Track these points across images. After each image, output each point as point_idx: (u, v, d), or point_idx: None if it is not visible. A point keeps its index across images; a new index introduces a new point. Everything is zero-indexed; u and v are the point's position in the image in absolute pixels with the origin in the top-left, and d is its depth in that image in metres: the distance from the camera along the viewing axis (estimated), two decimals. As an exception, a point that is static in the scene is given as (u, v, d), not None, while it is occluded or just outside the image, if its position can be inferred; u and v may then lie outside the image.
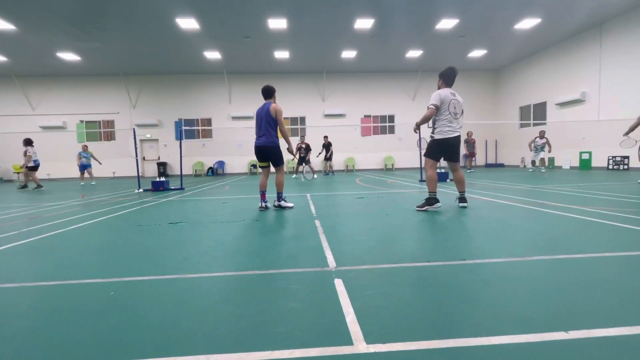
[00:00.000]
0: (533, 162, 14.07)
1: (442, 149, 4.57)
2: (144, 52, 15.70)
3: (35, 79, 18.76)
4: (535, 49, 16.66)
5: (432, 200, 4.47)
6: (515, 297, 1.67)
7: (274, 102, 5.01)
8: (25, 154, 10.85)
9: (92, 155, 13.13)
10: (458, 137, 4.55)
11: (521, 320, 1.44)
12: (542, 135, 13.49)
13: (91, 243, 3.18)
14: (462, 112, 4.65)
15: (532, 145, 13.67)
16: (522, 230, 3.14)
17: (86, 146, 13.26)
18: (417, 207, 4.55)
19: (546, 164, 14.21)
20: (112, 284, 2.04)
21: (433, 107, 4.47)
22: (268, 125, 4.90)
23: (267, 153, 4.93)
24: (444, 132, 4.49)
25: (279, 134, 5.05)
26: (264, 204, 4.97)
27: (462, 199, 4.62)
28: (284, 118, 5.07)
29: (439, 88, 4.65)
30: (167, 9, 11.43)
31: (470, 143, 15.01)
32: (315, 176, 12.69)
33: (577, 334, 1.32)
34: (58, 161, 18.86)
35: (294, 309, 1.62)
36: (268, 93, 5.06)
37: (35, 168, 11.01)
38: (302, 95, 19.69)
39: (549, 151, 13.50)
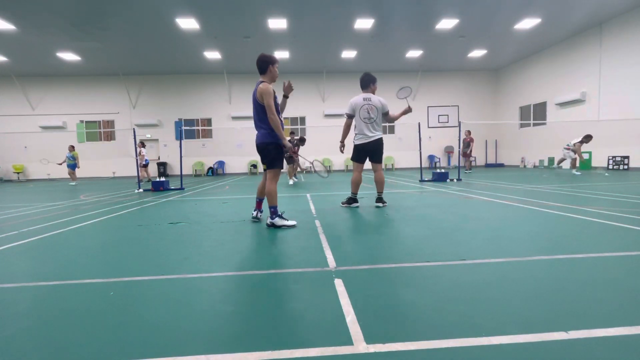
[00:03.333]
0: (562, 161, 11.87)
1: (362, 153, 4.87)
2: (144, 52, 15.70)
3: (35, 79, 18.75)
4: (535, 49, 16.65)
5: (351, 200, 4.99)
6: (515, 297, 1.67)
7: (266, 80, 3.67)
8: (139, 153, 12.23)
9: (72, 157, 13.50)
10: (375, 142, 4.79)
11: (521, 320, 1.44)
12: (589, 139, 11.12)
13: (91, 243, 3.18)
14: (385, 113, 4.82)
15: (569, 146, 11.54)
16: (522, 230, 3.14)
17: (72, 147, 13.69)
18: (342, 202, 5.08)
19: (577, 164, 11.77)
20: (112, 284, 2.04)
21: (346, 116, 4.87)
22: (257, 114, 3.71)
23: (260, 152, 3.79)
24: (358, 138, 4.81)
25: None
26: (255, 213, 4.02)
27: (378, 199, 4.85)
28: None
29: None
30: (167, 9, 11.42)
31: (465, 142, 14.41)
32: (295, 179, 10.65)
33: (577, 334, 1.32)
34: (58, 161, 18.83)
35: (294, 309, 1.62)
36: (260, 66, 3.69)
37: (146, 166, 13.37)
38: (302, 95, 19.66)
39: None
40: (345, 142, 5.05)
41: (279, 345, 1.30)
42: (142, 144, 13.17)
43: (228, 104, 19.66)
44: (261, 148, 3.73)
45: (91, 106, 19.18)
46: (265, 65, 3.66)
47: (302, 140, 10.68)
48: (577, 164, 11.73)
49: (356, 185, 4.95)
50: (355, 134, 4.85)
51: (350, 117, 4.82)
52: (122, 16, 11.86)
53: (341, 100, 19.84)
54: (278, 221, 3.62)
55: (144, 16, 11.91)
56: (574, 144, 11.43)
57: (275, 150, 3.72)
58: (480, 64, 19.00)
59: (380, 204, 4.82)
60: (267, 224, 3.67)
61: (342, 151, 5.14)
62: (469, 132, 14.78)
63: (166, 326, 1.49)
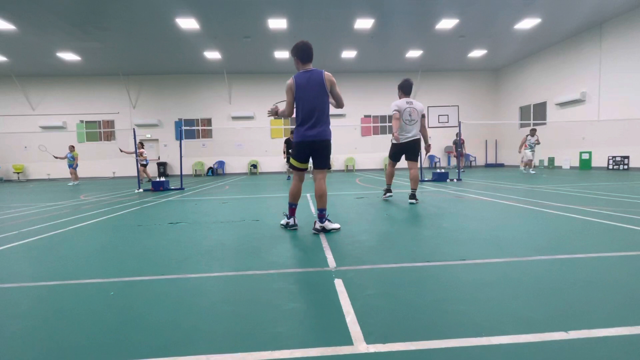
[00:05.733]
0: (530, 162, 12.41)
1: (399, 151, 5.36)
2: (144, 52, 15.70)
3: (35, 79, 18.75)
4: (535, 49, 16.65)
5: (386, 191, 5.68)
6: (515, 297, 1.67)
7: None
8: (141, 154, 12.61)
9: (72, 157, 13.52)
10: (413, 142, 5.24)
11: (521, 320, 1.44)
12: (533, 133, 12.29)
13: (91, 243, 3.18)
14: (422, 116, 5.28)
15: (526, 144, 12.33)
16: (522, 230, 3.14)
17: (72, 147, 13.74)
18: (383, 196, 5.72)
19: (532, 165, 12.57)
20: (112, 284, 2.04)
21: (396, 112, 5.22)
22: (320, 108, 3.30)
23: (322, 151, 3.37)
24: (400, 137, 5.26)
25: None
26: (292, 222, 3.49)
27: (412, 196, 5.16)
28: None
29: (399, 98, 5.36)
30: (167, 9, 11.42)
31: (459, 143, 14.82)
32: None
33: (577, 334, 1.32)
34: (58, 161, 18.83)
35: (294, 309, 1.62)
36: (311, 51, 3.33)
37: (145, 166, 13.44)
38: (302, 95, 19.67)
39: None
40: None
41: (279, 345, 1.30)
42: (142, 144, 13.10)
43: (228, 104, 19.66)
44: (324, 145, 3.35)
45: (91, 106, 19.18)
46: (312, 53, 3.38)
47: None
48: (532, 164, 12.49)
49: (389, 176, 5.62)
50: (394, 134, 5.28)
51: (398, 111, 5.25)
52: (122, 16, 11.86)
53: (341, 100, 19.84)
54: (329, 225, 3.31)
55: (144, 16, 11.91)
56: (525, 137, 12.53)
57: (330, 147, 3.45)
58: (480, 64, 19.00)
59: (413, 201, 5.10)
60: (316, 229, 3.28)
61: (397, 140, 5.35)
62: (459, 133, 14.94)
63: (166, 326, 1.49)
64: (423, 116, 5.27)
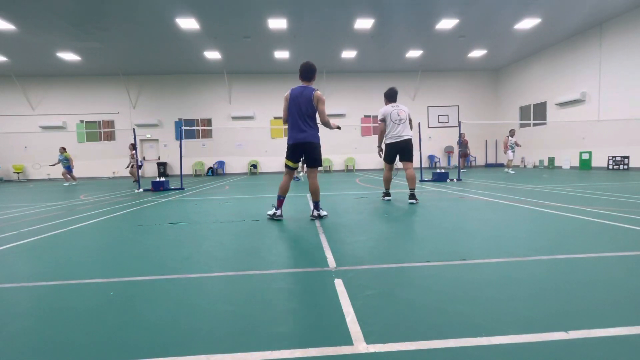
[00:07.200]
0: (509, 162, 13.03)
1: (393, 151, 5.37)
2: (144, 52, 15.69)
3: (35, 79, 18.74)
4: (535, 49, 16.65)
5: (385, 194, 5.72)
6: (515, 297, 1.67)
7: (315, 88, 4.07)
8: (133, 156, 12.54)
9: (66, 159, 13.52)
10: (405, 141, 5.27)
11: (521, 320, 1.44)
12: (512, 133, 13.16)
13: (91, 243, 3.18)
14: (409, 118, 5.34)
15: (508, 144, 13.05)
16: (522, 230, 3.14)
17: (63, 148, 13.69)
18: (382, 197, 5.79)
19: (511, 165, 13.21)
20: (112, 284, 2.04)
21: (380, 122, 5.38)
22: (308, 116, 3.98)
23: (311, 152, 4.02)
24: (390, 137, 5.35)
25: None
26: (278, 213, 4.11)
27: (411, 196, 5.18)
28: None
29: (385, 105, 5.47)
30: (167, 9, 11.42)
31: (463, 144, 15.03)
32: (300, 178, 11.61)
33: (577, 334, 1.32)
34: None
35: (294, 309, 1.63)
36: (310, 72, 4.00)
37: (140, 167, 13.30)
38: (302, 95, 19.65)
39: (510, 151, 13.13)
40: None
41: (279, 345, 1.30)
42: (133, 146, 13.01)
43: (228, 104, 19.65)
44: (314, 146, 4.01)
45: (91, 106, 19.17)
46: (314, 73, 4.06)
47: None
48: (511, 164, 13.14)
49: (387, 182, 5.65)
50: (386, 136, 5.39)
51: (382, 121, 5.37)
52: (122, 16, 11.85)
53: (341, 100, 19.84)
54: (322, 212, 4.14)
55: (144, 16, 11.90)
56: (507, 138, 13.23)
57: (320, 149, 4.13)
58: (480, 64, 18.99)
59: (413, 201, 5.10)
60: (313, 217, 4.11)
61: (380, 155, 5.60)
62: (465, 133, 15.28)
63: (166, 326, 1.49)
64: (410, 120, 5.35)
